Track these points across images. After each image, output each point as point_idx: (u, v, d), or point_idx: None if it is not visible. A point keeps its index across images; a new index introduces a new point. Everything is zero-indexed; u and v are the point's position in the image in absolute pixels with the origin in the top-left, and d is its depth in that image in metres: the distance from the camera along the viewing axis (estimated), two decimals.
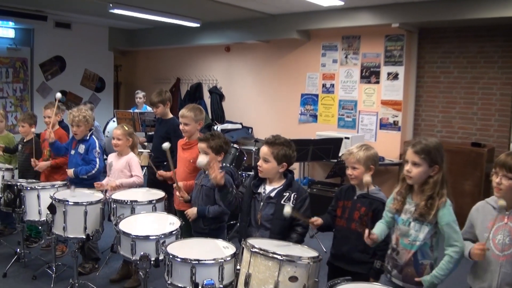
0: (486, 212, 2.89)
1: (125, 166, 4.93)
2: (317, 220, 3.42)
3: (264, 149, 3.50)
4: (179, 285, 3.16)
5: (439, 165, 2.95)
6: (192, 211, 4.02)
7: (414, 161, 2.93)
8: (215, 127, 8.90)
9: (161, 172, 4.98)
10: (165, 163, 4.96)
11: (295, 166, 7.31)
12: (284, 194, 3.46)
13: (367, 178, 3.06)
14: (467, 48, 7.52)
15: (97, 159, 5.12)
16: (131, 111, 8.13)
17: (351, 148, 3.42)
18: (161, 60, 11.43)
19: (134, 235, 3.56)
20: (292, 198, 3.42)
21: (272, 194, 3.49)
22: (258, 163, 3.55)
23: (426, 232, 2.92)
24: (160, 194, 4.52)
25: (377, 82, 8.00)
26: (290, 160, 3.52)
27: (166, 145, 3.94)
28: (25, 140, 5.95)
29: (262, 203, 3.50)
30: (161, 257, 3.49)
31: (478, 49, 7.42)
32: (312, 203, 3.55)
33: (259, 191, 3.57)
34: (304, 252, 2.99)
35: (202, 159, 3.77)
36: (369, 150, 3.39)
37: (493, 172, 2.84)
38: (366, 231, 2.99)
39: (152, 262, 3.56)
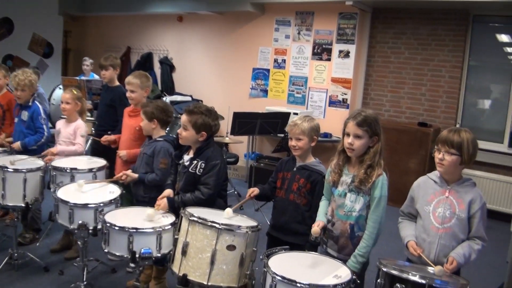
0: (428, 186, 2.96)
1: (73, 134, 4.80)
2: (253, 190, 3.48)
3: (183, 117, 3.53)
4: (117, 253, 3.14)
5: (378, 136, 2.98)
6: (132, 176, 3.97)
7: (356, 134, 2.94)
8: (165, 99, 8.77)
9: (106, 136, 4.85)
10: (109, 132, 4.87)
11: (243, 140, 7.34)
12: (193, 162, 3.51)
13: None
14: (419, 30, 7.63)
15: (44, 126, 4.95)
16: (77, 78, 7.92)
17: (294, 120, 3.42)
18: (112, 28, 11.14)
19: (72, 203, 3.49)
20: (198, 167, 3.46)
21: (187, 164, 3.55)
22: (178, 131, 3.58)
23: (362, 203, 2.97)
24: (101, 162, 4.42)
25: (328, 60, 8.04)
26: (210, 129, 3.54)
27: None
28: None
29: (181, 173, 3.59)
30: (99, 226, 3.43)
31: (429, 32, 7.54)
32: (259, 178, 3.57)
33: (180, 161, 3.63)
34: (244, 221, 3.00)
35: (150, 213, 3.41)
36: (313, 121, 3.40)
37: (435, 149, 2.90)
38: (315, 226, 3.00)
39: (90, 231, 3.50)
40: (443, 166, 2.84)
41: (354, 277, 2.58)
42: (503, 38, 7.46)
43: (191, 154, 3.61)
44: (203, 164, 3.47)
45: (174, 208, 3.42)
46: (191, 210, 2.91)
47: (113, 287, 4.17)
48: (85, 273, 3.87)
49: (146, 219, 3.23)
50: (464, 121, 7.59)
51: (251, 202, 6.55)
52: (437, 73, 7.55)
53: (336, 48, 7.94)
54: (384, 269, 2.45)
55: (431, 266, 2.66)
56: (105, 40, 11.22)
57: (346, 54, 7.83)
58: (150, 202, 3.75)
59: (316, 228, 2.93)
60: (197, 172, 3.47)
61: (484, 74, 7.58)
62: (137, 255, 3.03)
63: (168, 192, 3.57)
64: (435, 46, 7.52)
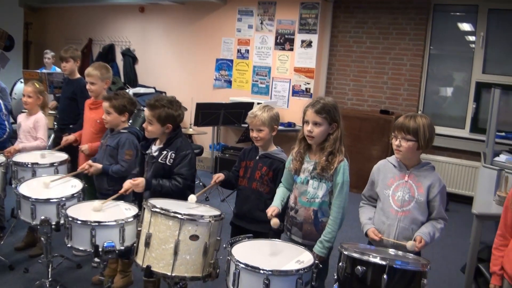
0: (387, 170, 3.01)
1: (33, 127, 4.72)
2: (219, 176, 3.49)
3: (147, 112, 3.51)
4: (80, 248, 3.09)
5: (337, 123, 3.01)
6: (96, 167, 3.92)
7: (315, 121, 2.97)
8: (128, 91, 8.67)
9: (65, 139, 4.78)
10: (70, 125, 4.81)
11: (207, 131, 7.33)
12: (162, 152, 3.51)
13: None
14: (380, 19, 7.72)
15: (6, 122, 4.85)
16: (38, 71, 7.77)
17: (254, 111, 3.42)
18: (73, 19, 10.91)
19: (34, 199, 3.43)
20: (169, 157, 3.47)
21: (155, 154, 3.54)
22: (144, 125, 3.56)
23: (325, 190, 3.01)
24: (63, 156, 4.37)
25: (291, 49, 8.06)
26: (174, 120, 3.54)
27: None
28: None
29: (149, 164, 3.59)
30: (62, 221, 3.37)
31: (390, 21, 7.64)
32: (224, 168, 3.60)
33: (148, 151, 3.63)
34: (207, 211, 3.00)
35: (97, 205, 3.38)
36: (272, 111, 3.41)
37: (392, 135, 2.94)
38: (269, 211, 3.02)
39: (52, 226, 3.45)
40: (401, 153, 2.89)
41: (316, 261, 2.62)
42: (464, 26, 7.61)
43: (159, 144, 3.59)
44: (173, 155, 3.47)
45: (149, 189, 3.42)
46: (153, 201, 2.90)
47: (79, 283, 4.12)
48: (50, 269, 3.82)
49: (93, 210, 3.20)
50: (426, 108, 7.73)
51: (217, 192, 6.60)
52: (399, 61, 7.65)
53: (298, 38, 7.97)
54: (345, 253, 2.48)
55: (399, 243, 2.73)
56: (67, 32, 11.00)
57: (309, 44, 7.87)
58: (114, 194, 3.72)
59: (275, 220, 2.94)
60: (167, 163, 3.47)
61: (445, 62, 7.72)
62: (100, 249, 3.01)
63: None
64: (396, 35, 7.63)
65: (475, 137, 7.23)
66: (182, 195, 3.32)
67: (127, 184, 3.41)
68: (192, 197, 3.11)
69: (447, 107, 7.81)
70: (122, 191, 3.39)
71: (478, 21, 7.28)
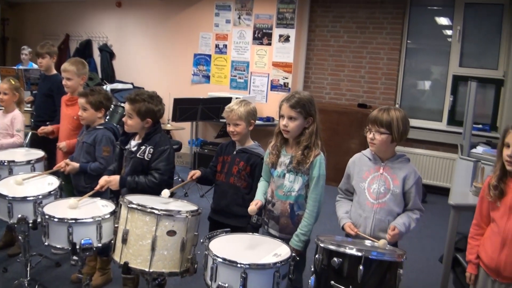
0: (362, 163, 3.03)
1: (10, 125, 4.67)
2: (195, 173, 3.50)
3: (127, 106, 3.50)
4: (57, 246, 3.07)
5: (313, 117, 3.03)
6: (73, 165, 3.90)
7: (290, 115, 2.99)
8: (105, 87, 8.61)
9: (43, 128, 4.74)
10: (47, 122, 4.76)
11: (185, 126, 7.31)
12: (141, 147, 3.49)
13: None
14: (357, 14, 7.76)
15: None
16: (15, 67, 7.70)
17: (230, 105, 3.43)
18: (50, 15, 10.77)
19: (11, 197, 3.38)
20: (147, 152, 3.46)
21: (134, 149, 3.53)
22: (123, 119, 3.55)
23: (301, 183, 3.03)
24: (39, 154, 4.32)
25: (269, 44, 8.07)
26: (154, 114, 3.52)
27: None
28: None
29: (127, 159, 3.57)
30: (39, 219, 3.34)
31: (368, 15, 7.68)
32: (203, 164, 3.59)
33: (126, 147, 3.61)
34: (184, 206, 3.00)
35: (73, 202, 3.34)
36: (249, 105, 3.42)
37: (366, 129, 2.97)
38: (252, 205, 3.03)
39: (30, 225, 3.42)
40: (375, 145, 2.91)
41: (293, 254, 2.64)
42: (441, 20, 7.70)
43: (138, 140, 3.58)
44: (151, 150, 3.45)
45: (124, 186, 3.41)
46: (130, 197, 2.89)
47: (58, 282, 4.09)
48: (28, 269, 3.79)
49: (68, 208, 3.19)
50: (403, 101, 7.80)
51: (196, 188, 6.59)
52: (376, 55, 7.71)
53: (276, 32, 7.98)
54: (322, 245, 2.50)
55: (373, 241, 2.74)
56: (44, 27, 10.88)
57: (286, 39, 7.88)
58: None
59: (252, 207, 2.98)
60: (146, 158, 3.45)
61: (422, 55, 7.81)
62: (77, 247, 2.99)
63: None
64: (374, 29, 7.68)
65: (452, 129, 7.31)
66: (159, 191, 3.28)
67: (102, 181, 3.40)
68: (165, 192, 3.10)
69: (424, 100, 7.89)
70: (97, 187, 3.38)
71: (455, 15, 7.37)
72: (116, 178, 3.41)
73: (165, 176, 3.43)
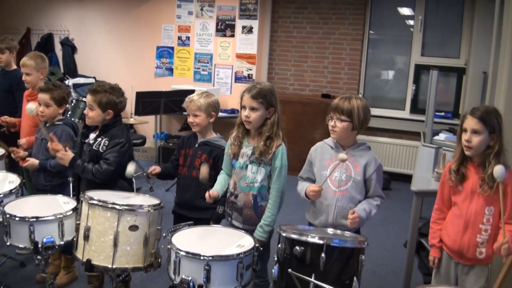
0: (324, 151, 3.04)
1: None
2: (154, 168, 3.47)
3: (88, 97, 3.46)
4: (20, 245, 3.01)
5: (274, 107, 3.04)
6: (32, 162, 3.82)
7: (252, 106, 2.99)
8: (67, 82, 8.48)
9: (5, 117, 4.65)
10: None
11: (149, 120, 7.25)
12: (97, 139, 3.47)
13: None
14: (319, 4, 7.80)
15: None
16: None
17: (191, 96, 3.44)
18: (10, 8, 10.51)
19: None
20: (102, 144, 3.43)
21: (92, 142, 3.50)
22: (85, 111, 3.52)
23: (263, 174, 3.04)
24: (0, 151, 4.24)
25: (232, 36, 8.05)
26: (116, 106, 3.49)
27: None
28: None
29: (86, 152, 3.53)
30: (0, 219, 3.28)
31: (330, 6, 7.74)
32: (168, 158, 3.58)
33: (86, 140, 3.57)
34: (145, 200, 2.98)
35: (31, 106, 3.52)
36: (210, 97, 3.41)
37: (328, 116, 2.99)
38: (207, 193, 3.00)
39: None
40: (336, 133, 2.94)
41: (257, 245, 2.64)
42: (403, 10, 7.80)
43: (96, 132, 3.54)
44: (106, 142, 3.42)
45: (72, 167, 3.40)
46: (91, 193, 2.85)
47: (23, 282, 4.02)
48: None
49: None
50: (366, 91, 7.89)
51: (161, 182, 6.54)
52: (339, 46, 7.78)
53: (239, 24, 7.96)
54: (284, 234, 2.51)
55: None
56: (4, 21, 10.60)
57: (250, 30, 7.87)
58: (51, 190, 3.64)
59: (206, 194, 2.96)
60: (100, 150, 3.41)
61: (385, 45, 7.92)
62: (39, 245, 2.93)
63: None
64: (336, 20, 7.74)
65: (415, 117, 7.44)
66: (105, 182, 3.32)
67: (59, 147, 3.39)
68: (131, 164, 3.12)
69: (387, 89, 7.99)
70: (53, 146, 3.40)
71: (417, 4, 7.49)
72: (69, 155, 3.38)
73: (111, 167, 3.35)
